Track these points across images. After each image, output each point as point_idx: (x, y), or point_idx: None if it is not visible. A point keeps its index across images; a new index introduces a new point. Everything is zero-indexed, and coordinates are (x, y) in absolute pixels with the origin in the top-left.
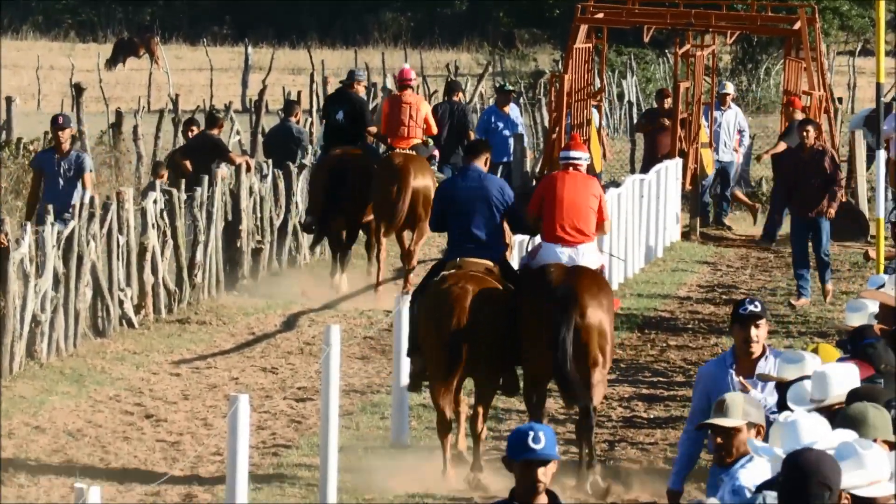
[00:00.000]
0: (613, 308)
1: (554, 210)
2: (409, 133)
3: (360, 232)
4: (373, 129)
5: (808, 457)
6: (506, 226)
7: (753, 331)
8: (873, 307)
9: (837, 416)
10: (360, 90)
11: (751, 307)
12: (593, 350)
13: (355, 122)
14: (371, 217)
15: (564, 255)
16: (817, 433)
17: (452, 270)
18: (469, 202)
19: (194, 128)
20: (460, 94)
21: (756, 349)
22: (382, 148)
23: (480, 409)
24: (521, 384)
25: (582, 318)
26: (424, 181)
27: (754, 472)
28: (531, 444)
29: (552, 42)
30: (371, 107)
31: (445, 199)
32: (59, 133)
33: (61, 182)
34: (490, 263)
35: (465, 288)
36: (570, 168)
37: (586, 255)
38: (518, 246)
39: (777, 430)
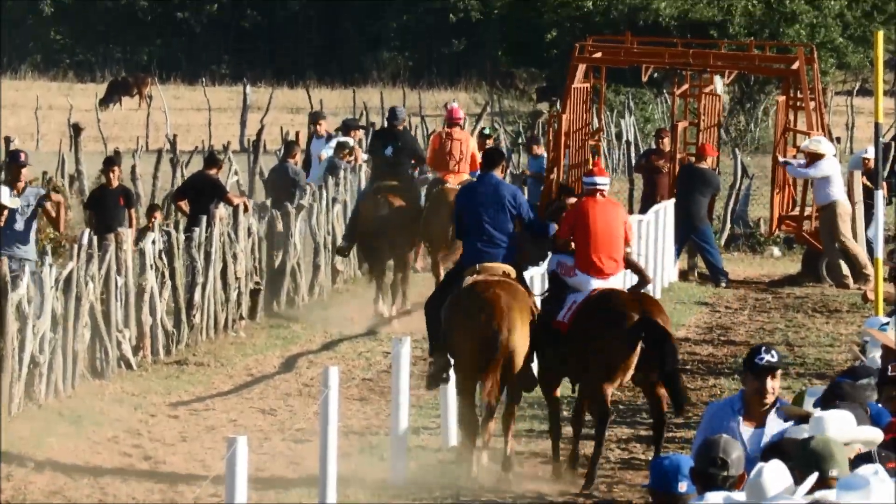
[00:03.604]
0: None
1: (588, 241)
2: (459, 168)
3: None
4: (424, 160)
5: None
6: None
7: (769, 382)
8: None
9: (800, 449)
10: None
11: (767, 357)
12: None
13: (404, 158)
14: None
15: (597, 285)
16: (781, 485)
17: (476, 276)
18: (484, 209)
19: (115, 168)
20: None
21: (770, 400)
22: (431, 176)
23: (513, 408)
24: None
25: (667, 334)
26: None
27: None
28: (679, 489)
29: (547, 81)
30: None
31: (463, 207)
32: (20, 170)
33: (18, 218)
34: (507, 268)
35: (497, 293)
36: (597, 194)
37: (614, 282)
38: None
39: (748, 488)
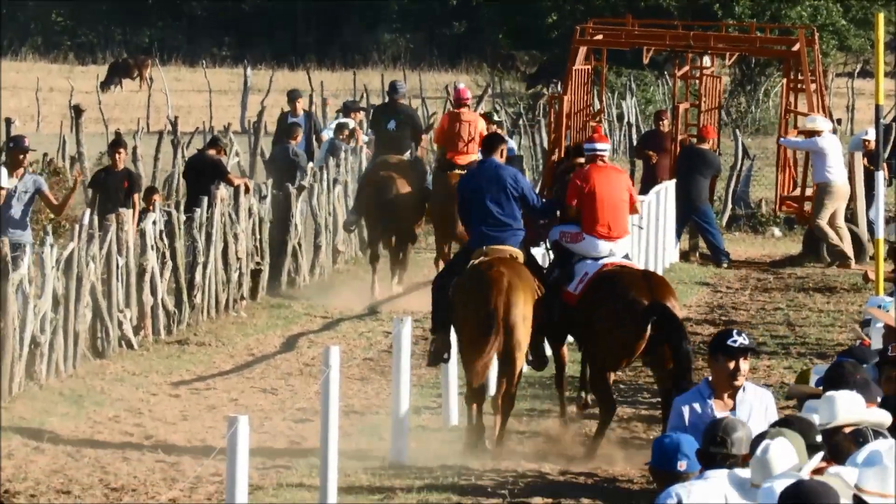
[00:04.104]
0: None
1: (594, 208)
2: (468, 149)
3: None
4: (425, 137)
5: (805, 487)
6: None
7: (743, 364)
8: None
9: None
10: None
11: (740, 339)
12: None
13: (406, 132)
14: (417, 226)
15: (606, 248)
16: (787, 463)
17: (482, 258)
18: (487, 193)
19: (122, 150)
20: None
21: (741, 382)
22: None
23: (509, 387)
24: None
25: (678, 322)
26: None
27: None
28: (679, 468)
29: (539, 67)
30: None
31: (466, 192)
32: (21, 155)
33: (14, 204)
34: (513, 249)
35: (501, 271)
36: (598, 160)
37: (621, 246)
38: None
39: (753, 465)
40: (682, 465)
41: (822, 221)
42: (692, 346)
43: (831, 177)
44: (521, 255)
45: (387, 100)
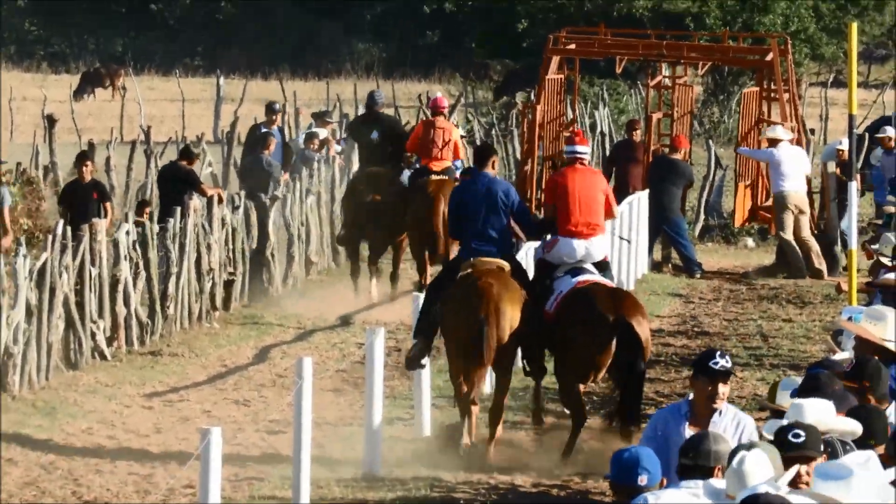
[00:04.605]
0: (647, 316)
1: (568, 207)
2: (442, 156)
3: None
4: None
5: (763, 500)
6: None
7: (721, 387)
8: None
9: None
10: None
11: (722, 361)
12: (646, 359)
13: (390, 142)
14: (402, 236)
15: (581, 247)
16: (763, 475)
17: (469, 270)
18: (479, 206)
19: (88, 163)
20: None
21: (720, 405)
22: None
23: (499, 400)
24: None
25: (640, 341)
26: None
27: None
28: (639, 482)
29: (506, 77)
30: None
31: (457, 205)
32: None
33: None
34: (502, 262)
35: (490, 283)
36: (577, 163)
37: (598, 245)
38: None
39: (728, 477)
40: (642, 480)
41: (786, 234)
42: (644, 371)
43: (785, 188)
44: (507, 266)
45: (365, 111)
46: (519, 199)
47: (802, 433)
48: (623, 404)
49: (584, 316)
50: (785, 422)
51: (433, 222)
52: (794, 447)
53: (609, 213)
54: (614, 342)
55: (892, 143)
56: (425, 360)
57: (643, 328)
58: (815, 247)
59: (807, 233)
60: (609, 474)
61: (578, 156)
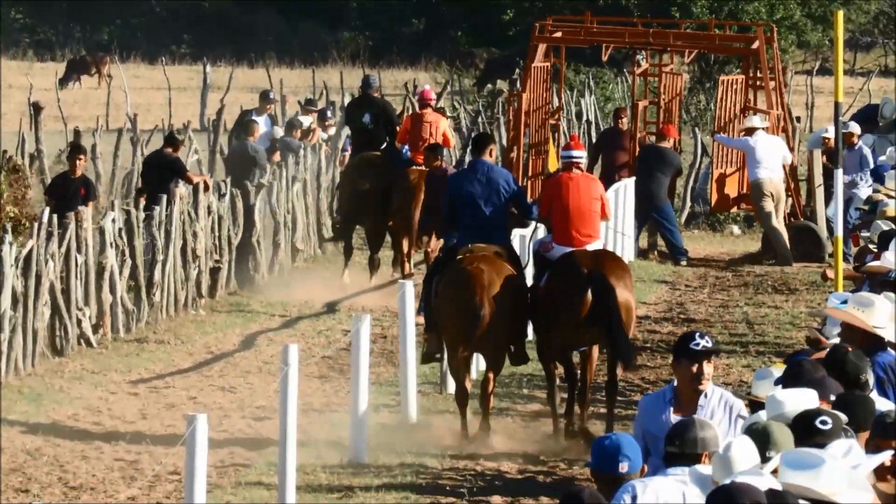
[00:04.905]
0: (633, 285)
1: (563, 217)
2: None
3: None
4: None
5: (733, 487)
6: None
7: (706, 366)
8: (779, 373)
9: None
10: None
11: (703, 342)
12: (625, 318)
13: (382, 126)
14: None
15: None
16: (749, 462)
17: (463, 256)
18: (479, 194)
19: (81, 157)
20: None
21: (705, 386)
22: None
23: (491, 376)
24: (544, 352)
25: (614, 297)
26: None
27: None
28: (620, 470)
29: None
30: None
31: (456, 193)
32: None
33: None
34: (498, 248)
35: (481, 268)
36: (573, 168)
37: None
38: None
39: (714, 463)
40: (623, 467)
41: (770, 221)
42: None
43: (759, 175)
44: (504, 252)
45: (359, 94)
46: (517, 183)
47: (829, 420)
48: (612, 349)
49: (563, 270)
50: (763, 415)
51: (409, 214)
52: (821, 434)
53: (604, 216)
54: (589, 293)
55: (855, 139)
56: (440, 355)
57: (621, 286)
58: (784, 235)
59: (776, 222)
60: (590, 462)
61: (574, 160)
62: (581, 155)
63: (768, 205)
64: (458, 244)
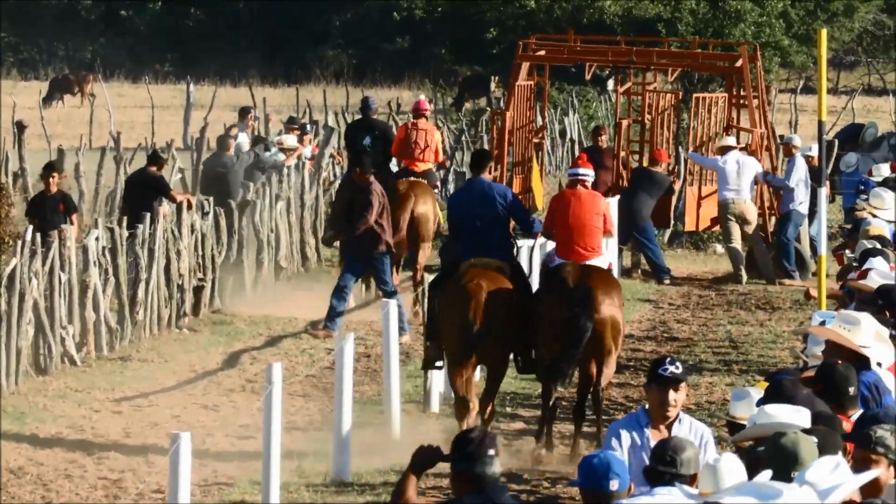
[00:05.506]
0: (622, 302)
1: (565, 232)
2: (424, 157)
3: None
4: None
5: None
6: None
7: (672, 394)
8: (759, 395)
9: (767, 447)
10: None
11: (671, 368)
12: (608, 341)
13: (381, 147)
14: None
15: None
16: (736, 478)
17: (464, 271)
18: (478, 212)
19: (55, 174)
20: None
21: (672, 413)
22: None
23: (490, 391)
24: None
25: (598, 313)
26: (425, 207)
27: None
28: (610, 488)
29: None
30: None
31: (457, 211)
32: None
33: None
34: (500, 263)
35: (480, 284)
36: (578, 185)
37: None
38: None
39: (703, 473)
40: (613, 485)
41: (731, 243)
42: (586, 330)
43: (725, 195)
44: (506, 268)
45: (359, 117)
46: (516, 198)
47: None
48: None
49: (551, 282)
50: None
51: (399, 224)
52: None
53: (607, 232)
54: (572, 306)
55: (794, 150)
56: (440, 363)
57: (608, 302)
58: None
59: (748, 239)
60: (577, 480)
61: (580, 178)
62: (587, 173)
63: (731, 225)
64: (459, 260)
